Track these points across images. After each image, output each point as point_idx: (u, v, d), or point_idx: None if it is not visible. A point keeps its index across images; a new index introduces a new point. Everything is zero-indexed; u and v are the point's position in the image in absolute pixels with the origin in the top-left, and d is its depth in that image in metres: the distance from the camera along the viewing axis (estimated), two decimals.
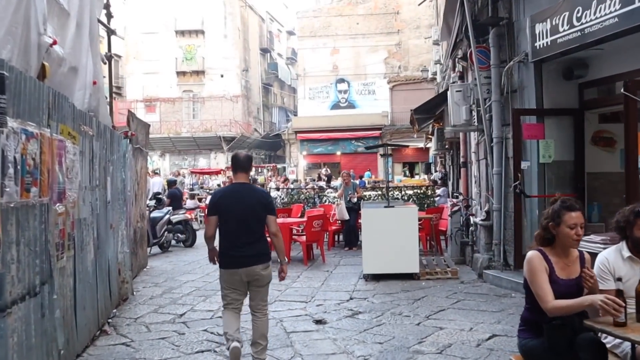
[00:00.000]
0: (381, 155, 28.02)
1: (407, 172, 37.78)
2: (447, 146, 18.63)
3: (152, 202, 12.18)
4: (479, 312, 6.65)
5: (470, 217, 10.47)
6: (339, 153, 39.67)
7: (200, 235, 15.25)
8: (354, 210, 11.93)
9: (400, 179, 35.19)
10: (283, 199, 14.64)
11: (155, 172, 30.08)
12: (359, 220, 12.27)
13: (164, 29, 43.41)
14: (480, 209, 9.05)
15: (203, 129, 41.44)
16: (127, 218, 8.30)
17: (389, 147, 11.93)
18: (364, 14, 42.35)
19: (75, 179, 4.88)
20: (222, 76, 43.05)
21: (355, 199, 11.93)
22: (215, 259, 4.96)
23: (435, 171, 24.59)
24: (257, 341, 4.82)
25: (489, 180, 8.66)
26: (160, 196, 12.44)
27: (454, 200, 10.19)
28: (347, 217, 11.77)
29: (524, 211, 8.04)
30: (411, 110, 15.33)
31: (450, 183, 18.34)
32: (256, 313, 4.88)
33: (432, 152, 23.85)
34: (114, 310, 6.83)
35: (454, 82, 12.03)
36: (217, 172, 30.01)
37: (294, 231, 10.88)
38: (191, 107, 43.52)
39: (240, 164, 4.93)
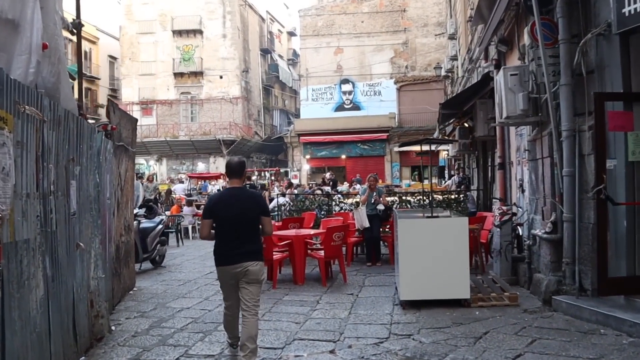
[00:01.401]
0: (417, 154, 26.27)
1: (417, 177, 36.00)
2: (470, 147, 16.99)
3: (142, 211, 10.47)
4: (569, 359, 4.95)
5: (518, 227, 8.80)
6: (343, 156, 38.02)
7: (188, 247, 13.71)
8: (378, 218, 10.24)
9: (408, 184, 33.59)
10: (291, 206, 12.89)
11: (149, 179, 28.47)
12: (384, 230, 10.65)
13: (160, 29, 41.83)
14: (543, 218, 7.35)
15: (202, 132, 39.79)
16: (106, 232, 6.61)
17: (414, 145, 10.19)
18: (369, 12, 40.81)
19: (3, 182, 3.20)
20: (221, 77, 41.46)
21: (382, 206, 10.23)
22: None
23: (452, 175, 22.89)
24: (245, 343, 4.88)
25: (556, 183, 6.96)
26: (151, 204, 10.73)
27: (504, 208, 8.49)
28: (367, 224, 10.07)
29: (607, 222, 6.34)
30: (440, 103, 13.61)
31: (474, 187, 16.66)
32: (245, 313, 5.02)
33: (449, 154, 22.07)
34: (82, 359, 5.13)
35: (494, 69, 10.35)
36: (217, 177, 28.30)
37: (306, 243, 9.16)
38: (189, 110, 41.88)
39: (233, 170, 5.22)
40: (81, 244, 5.02)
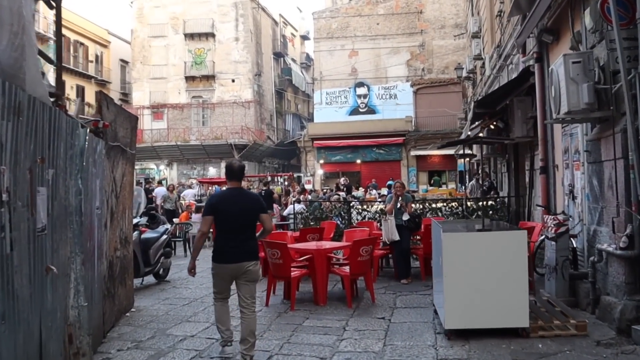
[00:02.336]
0: (458, 156, 25.08)
1: (438, 182, 34.78)
2: (499, 150, 15.83)
3: (143, 220, 9.39)
4: None
5: (572, 239, 7.64)
6: (358, 161, 36.87)
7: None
8: (407, 228, 9.11)
9: (425, 189, 32.41)
10: (309, 214, 11.72)
11: (160, 182, 27.54)
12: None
13: (172, 33, 41.01)
14: (614, 231, 6.18)
15: (213, 137, 38.83)
16: (94, 249, 5.54)
17: (458, 145, 9.05)
18: (385, 14, 39.77)
19: None
20: (233, 81, 40.54)
21: (406, 216, 9.09)
22: (193, 271, 5.61)
23: (473, 179, 21.67)
24: (246, 338, 5.23)
25: (632, 189, 5.81)
26: (153, 212, 9.65)
27: (560, 217, 7.33)
28: (397, 237, 8.94)
29: None
30: (474, 101, 12.45)
31: (502, 193, 15.47)
32: (244, 310, 5.33)
33: (472, 159, 20.91)
34: None
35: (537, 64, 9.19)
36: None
37: (329, 258, 8.03)
38: (200, 114, 40.94)
39: (234, 173, 5.52)
40: (53, 267, 3.94)
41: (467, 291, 5.76)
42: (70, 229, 4.54)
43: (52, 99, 4.64)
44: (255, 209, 5.43)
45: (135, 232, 8.88)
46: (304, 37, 57.13)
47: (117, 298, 6.82)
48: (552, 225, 7.24)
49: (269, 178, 27.85)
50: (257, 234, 5.59)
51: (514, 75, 13.58)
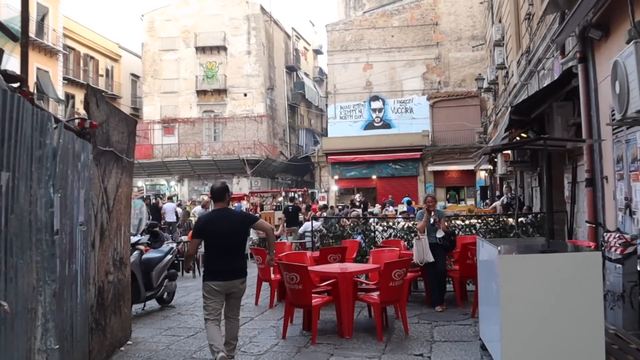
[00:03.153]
0: (482, 169, 23.98)
1: (454, 197, 33.69)
2: (528, 162, 14.75)
3: (145, 238, 8.39)
4: None
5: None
6: (374, 177, 35.82)
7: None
8: (441, 247, 8.06)
9: (444, 206, 31.25)
10: (328, 231, 10.65)
11: (171, 198, 26.64)
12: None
13: (183, 46, 40.43)
14: None
15: (225, 152, 37.98)
16: (76, 273, 4.55)
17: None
18: (400, 26, 38.95)
19: None
20: (245, 95, 39.79)
21: (441, 233, 8.05)
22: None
23: (502, 195, 20.59)
24: (229, 341, 5.58)
25: None
26: (156, 229, 8.65)
27: (626, 236, 6.27)
28: (431, 258, 7.89)
29: None
30: (511, 106, 11.41)
31: (527, 207, 14.36)
32: (230, 319, 5.69)
33: (496, 173, 19.79)
34: None
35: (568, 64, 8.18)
36: (241, 198, 26.31)
37: (355, 283, 6.98)
38: (212, 129, 40.16)
39: (218, 195, 5.65)
40: (4, 304, 2.95)
41: (529, 325, 4.70)
42: (37, 250, 3.56)
43: (15, 86, 3.69)
44: (241, 229, 5.65)
45: (136, 252, 7.91)
46: (317, 51, 56.43)
47: (109, 330, 5.81)
48: (618, 245, 6.16)
49: (293, 194, 26.78)
50: (267, 245, 6.09)
51: (547, 81, 12.58)
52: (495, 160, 22.69)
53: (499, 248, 4.95)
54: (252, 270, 13.38)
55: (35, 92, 32.04)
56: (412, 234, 9.31)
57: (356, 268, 6.98)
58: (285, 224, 16.20)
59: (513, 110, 10.30)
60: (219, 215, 5.57)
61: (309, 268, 6.56)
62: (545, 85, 11.22)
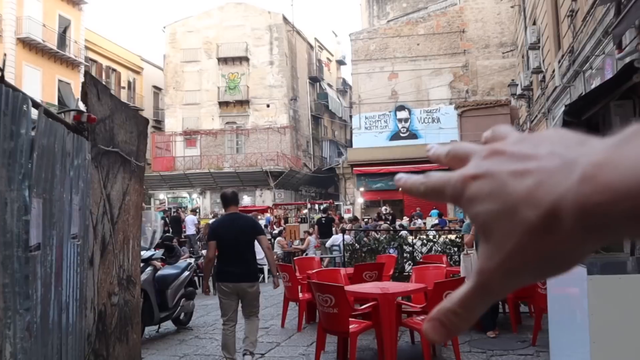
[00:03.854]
0: None
1: None
2: None
3: (159, 253, 7.54)
4: None
5: None
6: (401, 189, 34.58)
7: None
8: None
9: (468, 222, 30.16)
10: (360, 245, 9.71)
11: (194, 211, 25.95)
12: None
13: (205, 57, 39.95)
14: None
15: (247, 164, 37.27)
16: (70, 299, 3.71)
17: None
18: (425, 34, 37.99)
19: None
20: (268, 106, 39.12)
21: None
22: (207, 290, 6.56)
23: None
24: (247, 336, 5.86)
25: None
26: (172, 243, 7.78)
27: None
28: None
29: None
30: (565, 105, 10.42)
31: None
32: (248, 317, 5.94)
33: None
34: None
35: None
36: (264, 210, 25.53)
37: (399, 307, 6.05)
38: (234, 140, 39.52)
39: (229, 200, 6.13)
40: None
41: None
42: (4, 271, 2.72)
43: None
44: (250, 231, 5.97)
45: (149, 268, 7.09)
46: (340, 62, 55.77)
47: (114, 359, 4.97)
48: None
49: (309, 206, 25.90)
50: (267, 259, 6.47)
51: (596, 81, 11.61)
52: None
53: (585, 266, 4.00)
54: (273, 290, 12.55)
55: (57, 104, 31.79)
56: (455, 249, 8.36)
57: (399, 288, 6.03)
58: (317, 237, 15.32)
59: (567, 110, 9.28)
60: (231, 219, 6.01)
61: (346, 288, 5.65)
62: (599, 84, 10.22)
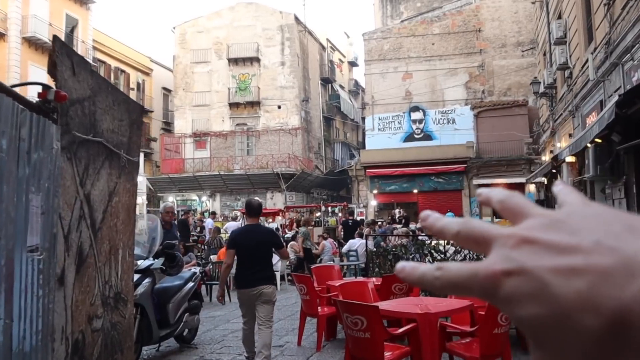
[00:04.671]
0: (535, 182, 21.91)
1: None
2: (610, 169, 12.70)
3: (158, 262, 6.58)
4: None
5: None
6: (415, 191, 33.77)
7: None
8: None
9: (490, 221, 29.07)
10: (386, 251, 8.71)
11: (213, 214, 25.07)
12: None
13: (215, 58, 39.17)
14: None
15: (258, 166, 36.38)
16: (26, 332, 2.79)
17: None
18: (440, 33, 37.03)
19: None
20: (279, 107, 38.26)
21: None
22: (222, 298, 6.62)
23: None
24: (261, 351, 5.83)
25: None
26: (173, 251, 6.85)
27: None
28: None
29: None
30: (619, 95, 9.39)
31: None
32: (261, 327, 5.95)
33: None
34: None
35: None
36: (275, 214, 24.59)
37: (443, 329, 5.08)
38: (245, 142, 38.67)
39: (254, 210, 6.29)
40: None
41: None
42: None
43: None
44: (268, 242, 6.18)
45: (146, 280, 6.18)
46: (352, 63, 54.85)
47: None
48: None
49: (323, 209, 24.90)
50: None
51: (638, 74, 10.60)
52: (554, 171, 20.63)
53: None
54: (290, 296, 11.61)
55: None
56: None
57: (442, 307, 5.04)
58: (341, 237, 14.38)
59: (621, 101, 8.27)
60: (250, 230, 6.21)
61: (380, 306, 4.68)
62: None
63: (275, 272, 11.07)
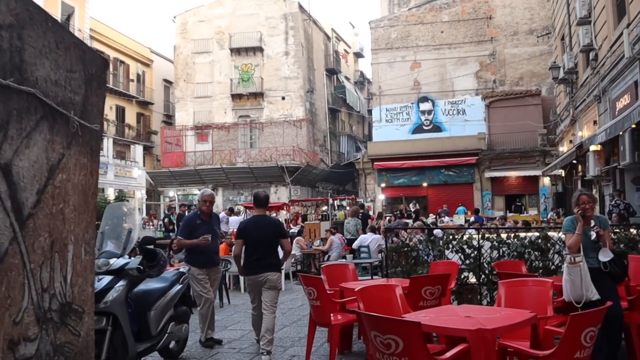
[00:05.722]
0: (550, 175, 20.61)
1: (520, 208, 30.09)
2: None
3: (135, 261, 5.35)
4: None
5: None
6: (425, 184, 32.55)
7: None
8: (607, 277, 4.93)
9: (503, 216, 27.86)
10: (410, 248, 7.45)
11: (232, 210, 23.82)
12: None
13: (217, 48, 37.95)
14: None
15: (261, 159, 35.20)
16: None
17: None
18: (450, 21, 35.76)
19: None
20: (283, 98, 37.08)
21: (607, 255, 4.92)
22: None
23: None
24: (264, 335, 6.14)
25: None
26: (153, 247, 5.63)
27: None
28: (595, 295, 4.76)
29: None
30: None
31: None
32: (265, 312, 6.25)
33: (591, 173, 16.21)
34: None
35: None
36: (279, 208, 23.40)
37: (503, 351, 3.88)
38: (248, 135, 37.50)
39: (260, 202, 6.70)
40: None
41: None
42: None
43: None
44: (273, 233, 6.46)
45: (120, 284, 5.00)
46: (358, 55, 53.56)
47: None
48: None
49: (331, 201, 23.62)
50: (281, 257, 6.56)
51: None
52: (574, 162, 19.37)
53: None
54: (295, 297, 10.39)
55: None
56: (537, 253, 6.18)
57: (498, 320, 3.77)
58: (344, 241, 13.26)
59: None
60: (257, 221, 6.50)
61: (422, 319, 3.46)
62: None
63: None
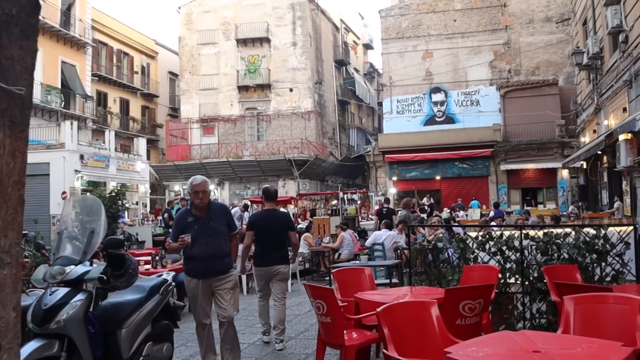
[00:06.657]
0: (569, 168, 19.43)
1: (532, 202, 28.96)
2: None
3: (97, 269, 4.29)
4: None
5: None
6: (438, 177, 31.39)
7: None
8: None
9: (520, 211, 26.64)
10: (440, 250, 6.33)
11: (246, 207, 22.78)
12: None
13: (223, 39, 36.89)
14: None
15: (269, 152, 34.16)
16: None
17: None
18: (463, 9, 34.56)
19: None
20: (291, 90, 35.98)
21: None
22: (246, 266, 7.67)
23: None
24: (277, 325, 6.47)
25: None
26: (122, 252, 4.57)
27: None
28: None
29: None
30: None
31: None
32: (276, 303, 6.59)
33: (622, 164, 14.97)
34: None
35: None
36: (287, 202, 22.35)
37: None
38: (255, 127, 36.46)
39: (270, 196, 7.03)
40: None
41: None
42: None
43: None
44: (283, 226, 6.81)
45: (77, 298, 3.96)
46: (367, 46, 52.33)
47: None
48: None
49: (341, 195, 22.51)
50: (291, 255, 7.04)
51: None
52: (599, 152, 18.20)
53: None
54: (302, 301, 9.30)
55: (60, 87, 28.97)
56: (594, 255, 5.08)
57: (572, 355, 2.66)
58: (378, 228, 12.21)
59: None
60: (268, 214, 6.89)
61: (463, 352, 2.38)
62: None
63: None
